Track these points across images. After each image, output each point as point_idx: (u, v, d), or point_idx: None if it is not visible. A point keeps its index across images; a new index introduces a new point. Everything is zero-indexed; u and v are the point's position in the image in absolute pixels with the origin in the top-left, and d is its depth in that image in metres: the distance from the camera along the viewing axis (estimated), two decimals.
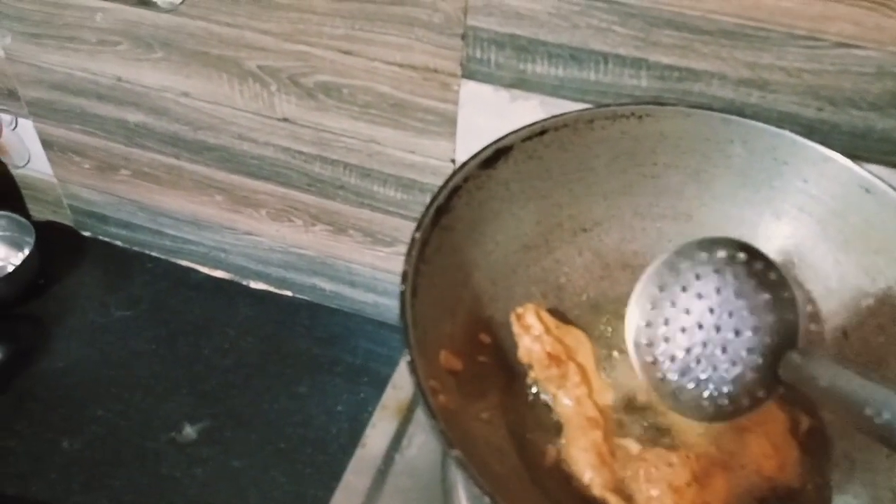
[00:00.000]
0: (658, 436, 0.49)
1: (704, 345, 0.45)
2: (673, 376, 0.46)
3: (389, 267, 0.93)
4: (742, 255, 0.45)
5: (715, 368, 0.45)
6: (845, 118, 0.59)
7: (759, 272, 0.44)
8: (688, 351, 0.45)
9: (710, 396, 0.45)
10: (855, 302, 0.50)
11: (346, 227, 0.90)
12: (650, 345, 0.46)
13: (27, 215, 1.10)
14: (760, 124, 0.52)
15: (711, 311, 0.45)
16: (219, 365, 0.95)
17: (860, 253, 0.49)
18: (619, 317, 0.53)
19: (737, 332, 0.44)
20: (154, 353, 0.97)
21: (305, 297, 1.03)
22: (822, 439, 0.49)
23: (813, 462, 0.48)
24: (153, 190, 0.98)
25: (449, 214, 0.49)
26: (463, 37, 0.66)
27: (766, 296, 0.44)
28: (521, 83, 0.67)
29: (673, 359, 0.46)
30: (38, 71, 0.89)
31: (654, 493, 0.45)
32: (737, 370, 0.44)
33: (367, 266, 0.94)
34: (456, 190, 0.49)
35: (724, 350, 0.45)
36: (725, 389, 0.45)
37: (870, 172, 0.48)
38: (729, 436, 0.48)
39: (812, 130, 0.60)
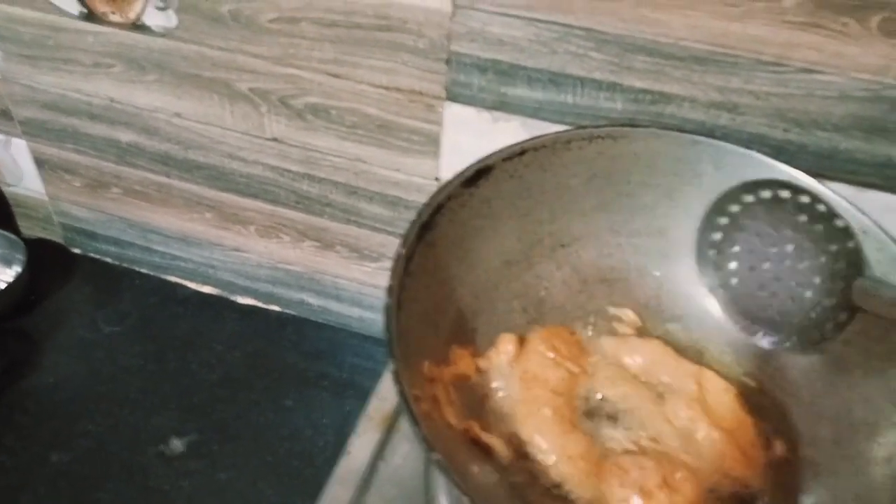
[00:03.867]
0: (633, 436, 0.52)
1: (777, 279, 0.48)
2: (757, 313, 0.49)
3: (375, 282, 0.94)
4: (787, 193, 0.48)
5: (793, 300, 0.47)
6: (811, 139, 0.62)
7: (808, 206, 0.47)
8: (761, 286, 0.48)
9: (795, 327, 0.47)
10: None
11: (333, 244, 0.92)
12: (724, 286, 0.50)
13: (18, 232, 1.10)
14: (729, 145, 0.54)
15: (774, 245, 0.48)
16: (206, 379, 0.96)
17: None
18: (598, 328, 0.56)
19: (802, 261, 0.47)
20: (142, 367, 0.97)
21: (292, 312, 1.04)
22: (791, 445, 0.51)
23: (779, 467, 0.50)
24: (143, 207, 0.99)
25: (432, 231, 0.50)
26: (447, 61, 0.68)
27: (820, 227, 0.47)
28: (503, 105, 0.69)
29: (752, 297, 0.49)
30: (32, 91, 0.90)
31: (626, 496, 0.47)
32: (814, 298, 0.47)
33: (353, 281, 0.96)
34: (439, 208, 0.51)
35: (797, 282, 0.47)
36: (811, 316, 0.47)
37: (832, 191, 0.51)
38: (700, 443, 0.50)
39: (780, 151, 0.63)
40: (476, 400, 0.52)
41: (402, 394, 0.41)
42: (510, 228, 0.56)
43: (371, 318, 1.00)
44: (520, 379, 0.53)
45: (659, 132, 0.56)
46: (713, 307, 0.56)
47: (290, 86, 0.76)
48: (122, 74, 0.84)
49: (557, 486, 0.49)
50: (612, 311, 0.58)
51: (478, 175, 0.53)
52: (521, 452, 0.50)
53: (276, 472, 0.87)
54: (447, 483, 0.40)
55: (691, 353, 0.56)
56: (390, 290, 0.46)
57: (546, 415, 0.51)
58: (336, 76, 0.74)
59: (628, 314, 0.58)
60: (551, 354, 0.54)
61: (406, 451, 0.62)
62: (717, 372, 0.54)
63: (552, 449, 0.49)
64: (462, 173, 0.53)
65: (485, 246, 0.55)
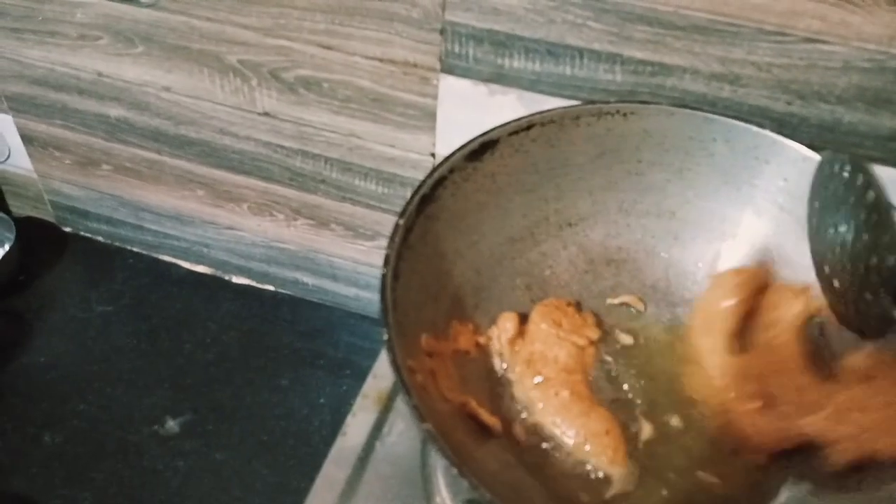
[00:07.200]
0: None
1: None
2: None
3: (371, 261, 0.93)
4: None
5: None
6: (814, 111, 0.60)
7: None
8: None
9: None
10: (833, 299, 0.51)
11: (327, 222, 0.91)
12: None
13: (8, 211, 1.09)
14: (743, 124, 0.53)
15: None
16: (201, 359, 0.95)
17: None
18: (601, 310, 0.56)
19: None
20: (136, 347, 0.96)
21: (288, 292, 1.03)
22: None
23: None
24: (135, 185, 0.98)
25: (434, 204, 0.49)
26: (441, 32, 0.67)
27: None
28: (499, 78, 0.68)
29: None
30: (19, 66, 0.88)
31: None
32: None
33: (349, 260, 0.95)
34: (441, 180, 0.50)
35: None
36: None
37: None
38: None
39: (782, 124, 0.62)
40: (476, 377, 0.52)
41: (394, 362, 0.40)
42: (515, 205, 0.55)
43: (368, 297, 0.99)
44: (527, 361, 0.52)
45: (671, 109, 0.54)
46: None
47: (281, 58, 0.75)
48: (109, 47, 0.82)
49: (581, 464, 0.48)
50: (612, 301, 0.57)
51: (483, 148, 0.52)
52: (537, 435, 0.50)
53: (271, 451, 0.86)
54: (443, 460, 0.38)
55: None
56: (387, 259, 0.45)
57: (564, 397, 0.50)
58: (328, 48, 0.72)
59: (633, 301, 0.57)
60: (555, 331, 0.53)
61: (402, 430, 0.61)
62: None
63: (575, 431, 0.49)
64: (466, 146, 0.51)
65: (488, 222, 0.54)
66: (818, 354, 0.50)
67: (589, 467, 0.48)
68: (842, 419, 0.45)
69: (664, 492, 0.48)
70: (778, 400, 0.48)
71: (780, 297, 0.52)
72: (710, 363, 0.52)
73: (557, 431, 0.49)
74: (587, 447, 0.48)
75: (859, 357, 0.48)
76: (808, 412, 0.46)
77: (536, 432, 0.49)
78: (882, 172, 0.60)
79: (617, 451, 0.48)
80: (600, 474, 0.48)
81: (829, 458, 0.45)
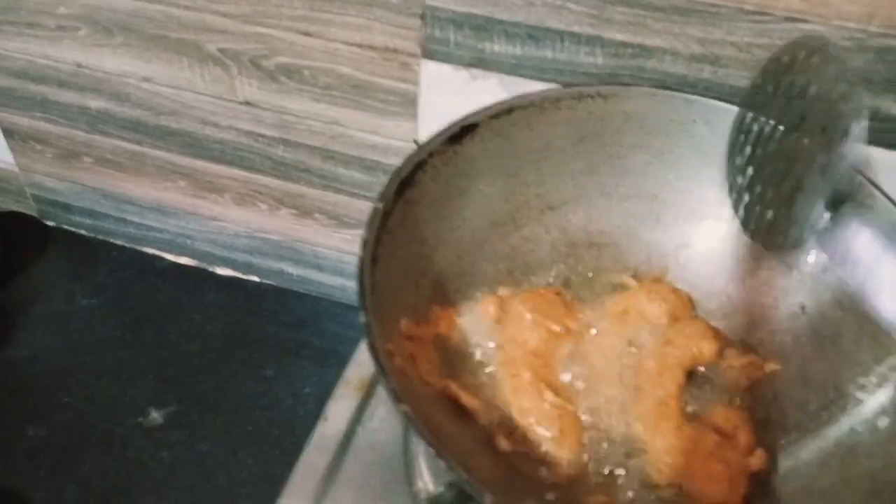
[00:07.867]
0: None
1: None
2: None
3: (355, 249, 0.91)
4: None
5: None
6: None
7: None
8: None
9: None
10: (814, 278, 0.51)
11: (311, 211, 0.90)
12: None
13: None
14: (723, 104, 0.53)
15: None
16: (185, 350, 0.94)
17: None
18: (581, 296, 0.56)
19: None
20: (120, 339, 0.96)
21: (272, 282, 1.02)
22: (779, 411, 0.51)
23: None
24: (116, 177, 0.97)
25: (413, 188, 0.49)
26: (421, 16, 0.66)
27: None
28: (480, 62, 0.67)
29: None
30: None
31: None
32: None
33: (333, 249, 0.94)
34: (421, 164, 0.50)
35: None
36: None
37: None
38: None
39: None
40: (457, 361, 0.52)
41: (371, 345, 0.41)
42: (496, 189, 0.55)
43: (352, 286, 0.97)
44: (498, 342, 0.52)
45: (652, 91, 0.54)
46: (705, 271, 0.55)
47: (261, 45, 0.74)
48: (88, 38, 0.81)
49: (537, 446, 0.48)
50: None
51: (463, 132, 0.52)
52: (502, 415, 0.49)
53: (256, 441, 0.86)
54: (423, 444, 0.38)
55: None
56: (365, 243, 0.45)
57: (524, 378, 0.50)
58: (307, 34, 0.71)
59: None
60: (531, 315, 0.53)
61: (384, 415, 0.61)
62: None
63: (528, 412, 0.49)
64: (447, 129, 0.51)
65: (469, 206, 0.54)
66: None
67: (543, 448, 0.48)
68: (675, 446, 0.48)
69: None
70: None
71: (694, 329, 0.53)
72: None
73: (514, 411, 0.49)
74: (539, 429, 0.48)
75: (721, 412, 0.50)
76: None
77: (498, 409, 0.50)
78: (863, 152, 0.61)
79: (566, 436, 0.48)
80: (555, 456, 0.48)
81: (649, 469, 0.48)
